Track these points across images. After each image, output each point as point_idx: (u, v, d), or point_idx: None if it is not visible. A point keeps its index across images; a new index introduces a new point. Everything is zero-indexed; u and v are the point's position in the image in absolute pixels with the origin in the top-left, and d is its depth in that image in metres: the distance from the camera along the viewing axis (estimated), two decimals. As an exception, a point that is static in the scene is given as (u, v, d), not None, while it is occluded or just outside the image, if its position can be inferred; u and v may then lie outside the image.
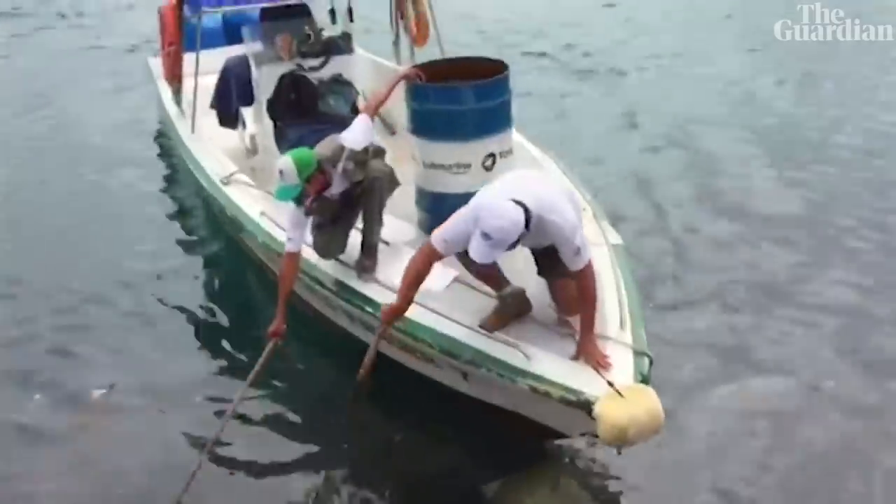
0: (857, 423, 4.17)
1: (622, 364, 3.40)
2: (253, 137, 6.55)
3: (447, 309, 3.81)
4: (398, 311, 3.70)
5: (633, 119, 8.39)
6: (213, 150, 6.18)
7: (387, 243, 4.43)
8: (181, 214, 7.09)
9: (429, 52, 6.65)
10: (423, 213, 4.60)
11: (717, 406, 4.29)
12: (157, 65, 8.62)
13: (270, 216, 4.84)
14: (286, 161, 3.98)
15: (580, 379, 3.32)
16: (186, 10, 6.60)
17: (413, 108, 4.43)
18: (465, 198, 4.31)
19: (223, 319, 5.44)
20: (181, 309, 5.55)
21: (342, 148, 4.13)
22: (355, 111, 6.53)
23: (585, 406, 3.22)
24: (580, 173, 5.13)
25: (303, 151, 4.03)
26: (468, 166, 4.34)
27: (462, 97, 4.20)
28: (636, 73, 9.88)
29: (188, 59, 6.74)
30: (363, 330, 4.28)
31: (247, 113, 6.83)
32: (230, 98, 6.73)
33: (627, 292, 3.83)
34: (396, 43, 7.42)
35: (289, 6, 6.76)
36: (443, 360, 3.88)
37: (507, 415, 3.88)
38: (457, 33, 8.84)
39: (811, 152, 7.32)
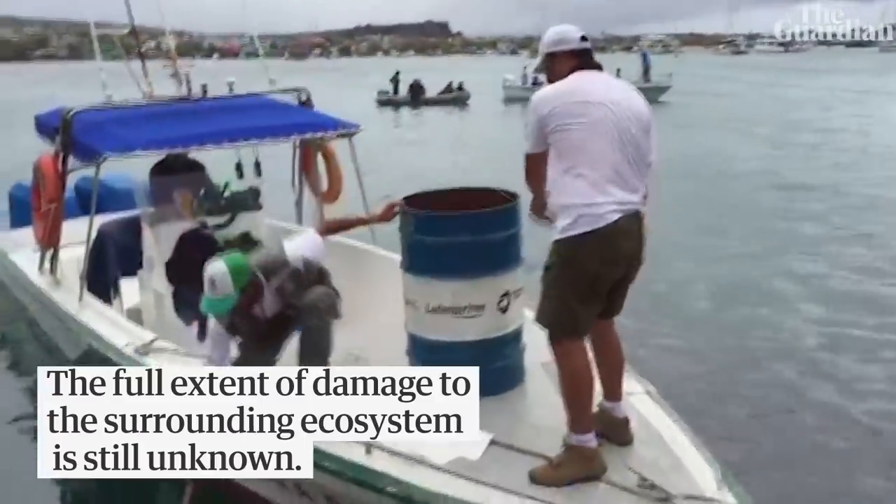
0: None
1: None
2: (134, 311, 5.74)
3: (496, 479, 3.07)
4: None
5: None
6: (115, 317, 5.19)
7: None
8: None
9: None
10: (418, 364, 3.87)
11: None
12: (5, 238, 7.71)
13: None
14: (219, 268, 3.49)
15: None
16: (73, 161, 5.72)
17: (413, 240, 3.78)
18: (477, 346, 3.75)
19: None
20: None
21: (284, 262, 3.62)
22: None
23: None
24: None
25: (236, 257, 3.54)
26: (481, 308, 3.71)
27: (478, 226, 3.63)
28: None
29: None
30: None
31: (126, 284, 6.03)
32: (105, 267, 5.91)
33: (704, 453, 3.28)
34: (299, 203, 6.93)
35: (183, 161, 6.20)
36: None
37: None
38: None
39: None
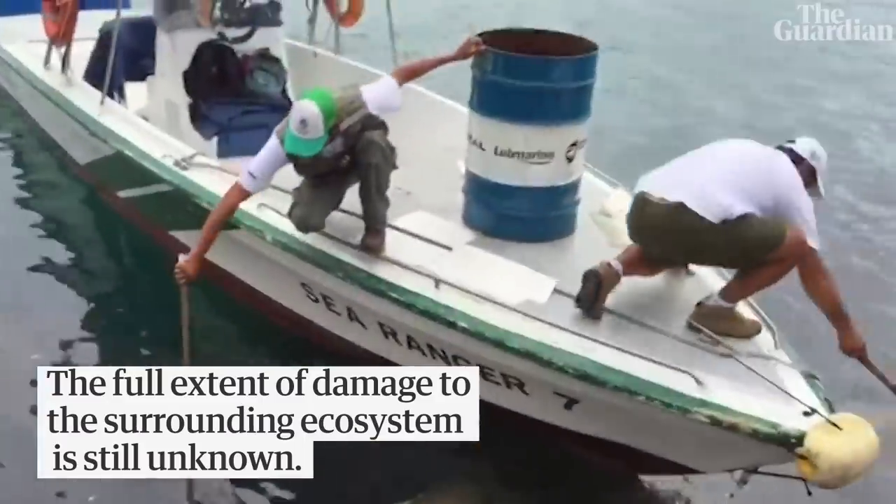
0: None
1: (799, 389, 2.99)
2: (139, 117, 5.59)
3: (568, 324, 3.20)
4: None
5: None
6: (144, 124, 5.04)
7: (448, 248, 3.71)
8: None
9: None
10: (478, 206, 3.89)
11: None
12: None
13: (271, 206, 3.88)
14: (310, 108, 3.16)
15: (769, 408, 2.88)
16: None
17: (487, 80, 3.69)
18: (542, 192, 3.79)
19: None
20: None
21: (361, 103, 3.41)
22: (286, 94, 5.75)
23: (786, 440, 2.78)
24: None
25: (325, 95, 3.27)
26: (550, 156, 3.71)
27: (558, 73, 3.57)
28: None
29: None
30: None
31: (132, 88, 5.87)
32: (111, 69, 5.70)
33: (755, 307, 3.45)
34: (312, 20, 6.63)
35: None
36: (549, 387, 3.27)
37: (612, 448, 3.40)
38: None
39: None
